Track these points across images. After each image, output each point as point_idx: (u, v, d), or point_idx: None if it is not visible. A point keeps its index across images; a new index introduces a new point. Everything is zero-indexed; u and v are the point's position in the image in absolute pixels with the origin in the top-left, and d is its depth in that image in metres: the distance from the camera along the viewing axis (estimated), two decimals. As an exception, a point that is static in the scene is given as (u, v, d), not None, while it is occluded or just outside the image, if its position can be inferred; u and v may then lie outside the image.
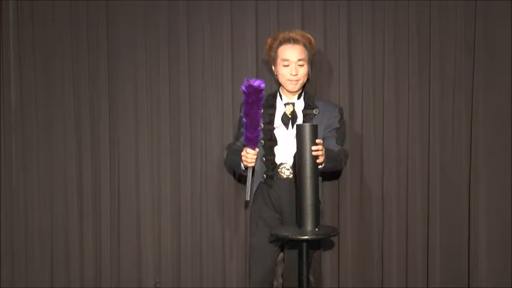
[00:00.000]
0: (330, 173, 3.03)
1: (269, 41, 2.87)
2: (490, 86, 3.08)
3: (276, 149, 2.82)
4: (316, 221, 2.52)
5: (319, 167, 2.59)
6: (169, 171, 3.29)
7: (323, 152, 2.54)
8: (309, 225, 2.51)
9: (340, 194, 3.17)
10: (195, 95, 3.27)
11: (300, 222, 2.54)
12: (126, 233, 3.33)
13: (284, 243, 2.90)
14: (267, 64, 3.07)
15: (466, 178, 3.13)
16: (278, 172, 2.83)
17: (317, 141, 2.46)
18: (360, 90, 3.16)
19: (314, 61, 2.97)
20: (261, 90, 2.54)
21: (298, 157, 2.51)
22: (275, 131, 2.83)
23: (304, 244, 2.53)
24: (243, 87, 2.54)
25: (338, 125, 2.86)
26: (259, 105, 2.56)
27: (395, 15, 3.14)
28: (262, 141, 2.82)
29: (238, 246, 3.24)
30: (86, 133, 3.34)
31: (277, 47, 2.82)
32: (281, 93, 2.89)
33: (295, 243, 2.76)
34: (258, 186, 2.87)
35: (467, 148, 3.12)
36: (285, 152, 2.82)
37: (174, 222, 3.29)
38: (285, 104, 2.86)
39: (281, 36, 2.82)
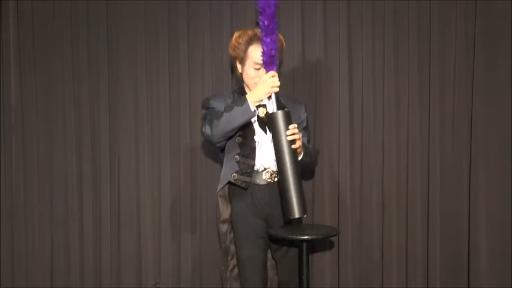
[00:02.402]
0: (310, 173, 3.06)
1: (234, 37, 2.71)
2: (490, 86, 3.08)
3: (256, 155, 2.68)
4: (303, 208, 2.48)
5: (299, 158, 2.57)
6: (169, 170, 3.29)
7: (300, 136, 2.53)
8: (296, 212, 2.48)
9: (340, 194, 3.17)
10: (195, 94, 3.27)
11: (286, 212, 2.51)
12: (126, 233, 3.33)
13: (271, 248, 2.78)
14: (232, 60, 2.91)
15: (466, 178, 3.13)
16: (261, 177, 2.69)
17: (291, 126, 2.48)
18: (359, 90, 3.17)
19: (282, 60, 2.93)
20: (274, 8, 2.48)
21: (275, 146, 2.51)
22: (254, 137, 2.69)
23: (304, 244, 2.53)
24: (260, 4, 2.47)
25: (306, 123, 2.82)
26: (274, 27, 2.50)
27: (395, 15, 3.14)
28: (240, 138, 2.67)
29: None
30: (86, 133, 3.34)
31: (247, 46, 2.67)
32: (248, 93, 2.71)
33: (284, 244, 2.73)
34: (234, 191, 2.71)
35: (467, 148, 3.12)
36: (266, 156, 2.68)
37: (174, 222, 3.29)
38: (257, 107, 2.65)
39: (251, 33, 2.67)
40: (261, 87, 2.58)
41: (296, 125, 2.54)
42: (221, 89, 3.23)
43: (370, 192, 3.17)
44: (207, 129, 2.64)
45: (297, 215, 2.48)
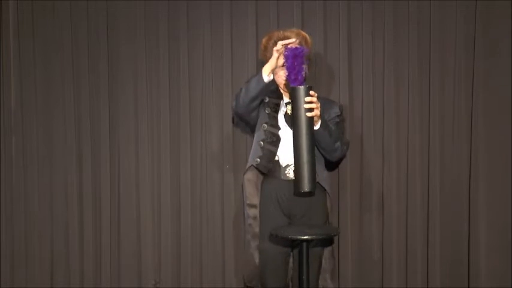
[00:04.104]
0: (332, 164, 3.05)
1: (264, 41, 2.87)
2: (490, 86, 3.08)
3: (280, 149, 2.81)
4: (313, 181, 2.56)
5: (316, 127, 2.64)
6: (169, 170, 3.29)
7: (318, 105, 2.60)
8: (305, 185, 2.55)
9: (340, 194, 3.17)
10: (195, 94, 3.27)
11: (295, 183, 2.59)
12: (126, 233, 3.34)
13: (293, 245, 2.85)
14: (263, 64, 3.04)
15: (466, 178, 3.12)
16: (285, 174, 2.81)
17: (311, 92, 2.57)
18: (360, 90, 3.17)
19: (312, 59, 2.95)
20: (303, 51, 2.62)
21: (293, 117, 2.60)
22: (279, 132, 2.82)
23: (304, 244, 2.53)
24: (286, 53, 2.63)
25: (337, 120, 2.88)
26: (302, 66, 2.62)
27: (395, 15, 3.14)
28: (265, 125, 2.82)
29: (238, 246, 3.23)
30: (86, 133, 3.34)
31: (272, 47, 2.77)
32: (281, 92, 2.89)
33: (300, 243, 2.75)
34: (264, 183, 2.84)
35: (467, 147, 3.12)
36: (289, 153, 2.76)
37: (174, 222, 3.29)
38: (286, 104, 2.86)
39: (276, 35, 2.80)
40: (271, 59, 2.71)
41: (316, 94, 2.61)
42: (221, 89, 3.23)
43: (370, 193, 3.17)
44: (233, 103, 2.89)
45: (306, 188, 2.56)
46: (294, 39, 2.68)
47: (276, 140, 2.81)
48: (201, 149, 3.27)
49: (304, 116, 2.57)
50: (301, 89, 2.57)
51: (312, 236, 2.46)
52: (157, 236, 3.31)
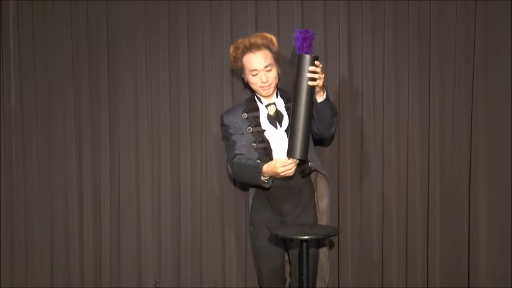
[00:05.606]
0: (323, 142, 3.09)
1: (231, 51, 2.87)
2: (490, 86, 3.08)
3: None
4: (305, 149, 2.59)
5: (320, 100, 2.67)
6: (169, 171, 3.29)
7: (322, 76, 2.61)
8: (297, 153, 2.58)
9: (340, 194, 3.17)
10: (195, 95, 3.27)
11: (288, 150, 2.62)
12: (126, 233, 3.33)
13: (287, 244, 2.89)
14: (235, 71, 3.09)
15: (466, 178, 3.13)
16: None
17: (316, 62, 2.59)
18: (360, 90, 3.17)
19: (280, 57, 2.94)
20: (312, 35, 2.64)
21: (295, 85, 2.62)
22: (265, 133, 2.85)
23: (304, 244, 2.53)
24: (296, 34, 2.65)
25: None
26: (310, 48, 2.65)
27: (395, 15, 3.14)
28: (254, 145, 2.84)
29: (238, 246, 3.24)
30: (86, 133, 3.34)
31: (241, 57, 2.82)
32: (258, 96, 2.92)
33: (297, 243, 2.76)
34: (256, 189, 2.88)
35: (467, 148, 3.12)
36: (277, 151, 2.82)
37: (174, 222, 3.29)
38: (266, 106, 2.89)
39: (242, 45, 2.81)
40: (274, 171, 2.69)
41: (321, 65, 2.63)
42: (221, 90, 3.23)
43: (370, 192, 3.17)
44: (229, 169, 2.90)
45: (297, 156, 2.60)
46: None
47: (269, 153, 2.83)
48: (201, 149, 3.27)
49: (306, 84, 2.59)
50: (307, 57, 2.59)
51: (312, 236, 2.46)
52: (157, 236, 3.31)
